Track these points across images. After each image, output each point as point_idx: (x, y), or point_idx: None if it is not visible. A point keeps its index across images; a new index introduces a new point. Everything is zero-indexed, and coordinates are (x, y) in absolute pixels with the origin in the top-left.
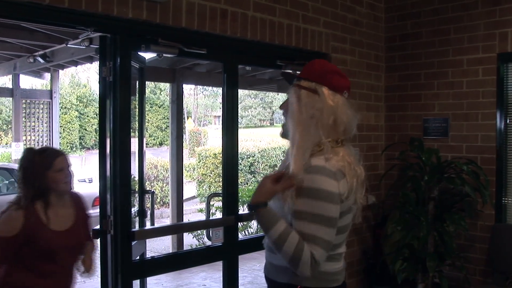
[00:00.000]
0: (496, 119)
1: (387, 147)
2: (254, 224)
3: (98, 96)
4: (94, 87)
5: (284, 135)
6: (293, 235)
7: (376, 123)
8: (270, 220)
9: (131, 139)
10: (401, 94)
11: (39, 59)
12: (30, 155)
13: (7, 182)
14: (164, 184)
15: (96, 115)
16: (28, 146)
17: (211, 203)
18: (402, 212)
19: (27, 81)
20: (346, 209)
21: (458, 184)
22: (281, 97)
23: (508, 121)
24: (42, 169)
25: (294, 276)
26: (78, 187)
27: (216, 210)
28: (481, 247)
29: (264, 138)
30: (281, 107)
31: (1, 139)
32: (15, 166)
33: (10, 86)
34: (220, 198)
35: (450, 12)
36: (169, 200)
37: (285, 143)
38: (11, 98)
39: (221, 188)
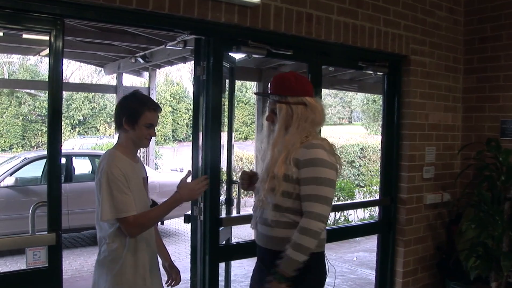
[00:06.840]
0: None
1: (463, 146)
2: None
3: (189, 93)
4: (186, 85)
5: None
6: (294, 239)
7: (453, 123)
8: (291, 263)
9: (221, 133)
10: (478, 96)
11: (140, 59)
12: None
13: None
14: None
15: (188, 110)
16: None
17: None
18: (477, 210)
19: (128, 79)
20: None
21: None
22: (360, 96)
23: None
24: None
25: None
26: (171, 176)
27: None
28: None
29: (343, 135)
30: (267, 119)
31: (106, 131)
32: None
33: (114, 83)
34: None
35: None
36: None
37: (362, 140)
38: (114, 95)
39: None
